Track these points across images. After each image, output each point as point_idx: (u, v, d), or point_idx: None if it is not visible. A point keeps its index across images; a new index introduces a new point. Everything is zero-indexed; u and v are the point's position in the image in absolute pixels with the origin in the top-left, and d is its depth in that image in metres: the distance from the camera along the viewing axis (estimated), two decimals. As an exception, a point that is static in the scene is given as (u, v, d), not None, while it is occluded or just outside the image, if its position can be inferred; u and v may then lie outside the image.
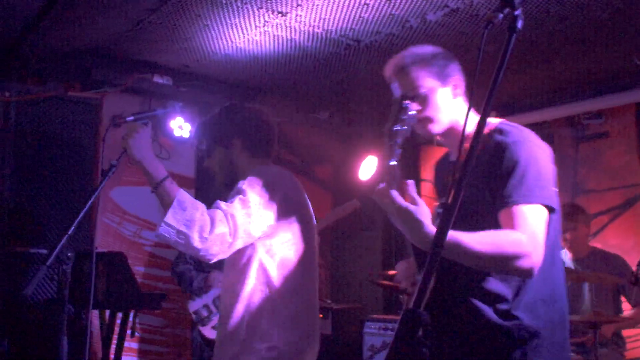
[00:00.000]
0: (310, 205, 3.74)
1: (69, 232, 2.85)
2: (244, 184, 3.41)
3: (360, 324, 6.75)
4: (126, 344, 5.91)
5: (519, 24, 2.04)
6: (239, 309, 3.45)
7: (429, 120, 2.84)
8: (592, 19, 5.23)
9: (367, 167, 8.02)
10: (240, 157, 3.70)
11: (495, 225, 2.60)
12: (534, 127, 3.71)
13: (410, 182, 2.41)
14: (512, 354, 2.62)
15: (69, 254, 2.84)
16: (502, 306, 2.66)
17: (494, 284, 2.67)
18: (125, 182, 6.72)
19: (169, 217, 3.16)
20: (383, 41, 5.76)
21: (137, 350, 6.73)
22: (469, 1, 4.96)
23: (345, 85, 7.09)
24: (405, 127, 2.39)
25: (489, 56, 2.61)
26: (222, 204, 3.29)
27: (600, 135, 7.06)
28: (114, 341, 5.81)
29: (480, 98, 2.04)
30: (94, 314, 6.22)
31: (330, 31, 5.57)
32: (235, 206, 3.29)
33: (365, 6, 5.07)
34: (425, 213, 2.39)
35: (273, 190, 3.45)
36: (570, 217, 5.80)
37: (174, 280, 6.18)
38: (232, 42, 5.86)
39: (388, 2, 4.99)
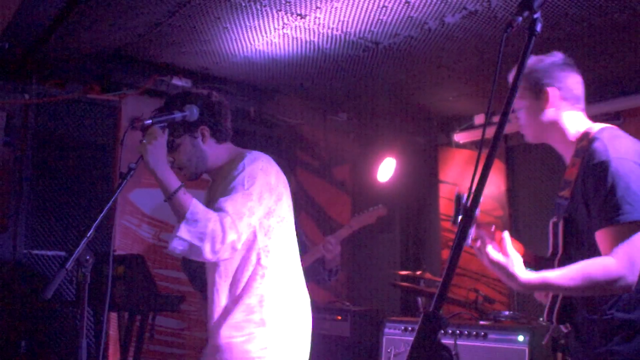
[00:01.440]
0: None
1: (88, 235, 2.85)
2: (242, 173, 3.43)
3: (378, 326, 6.72)
4: (144, 346, 5.91)
5: (538, 27, 2.05)
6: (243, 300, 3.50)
7: (522, 133, 3.07)
8: (611, 21, 5.20)
9: (386, 169, 8.01)
10: (206, 144, 3.64)
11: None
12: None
13: (506, 235, 2.62)
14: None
15: (88, 257, 2.84)
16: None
17: None
18: (144, 185, 6.73)
19: (182, 231, 3.22)
20: (402, 43, 5.74)
21: (155, 353, 6.74)
22: (488, 3, 4.94)
23: (364, 87, 7.08)
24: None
25: (507, 58, 2.60)
26: (229, 206, 3.31)
27: (619, 137, 6.99)
28: (132, 344, 5.82)
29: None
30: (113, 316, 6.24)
31: (349, 33, 5.57)
32: (238, 205, 3.33)
33: (384, 9, 5.07)
34: (517, 263, 2.57)
35: (269, 174, 3.51)
36: None
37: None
38: (251, 44, 5.86)
39: (407, 4, 4.98)
